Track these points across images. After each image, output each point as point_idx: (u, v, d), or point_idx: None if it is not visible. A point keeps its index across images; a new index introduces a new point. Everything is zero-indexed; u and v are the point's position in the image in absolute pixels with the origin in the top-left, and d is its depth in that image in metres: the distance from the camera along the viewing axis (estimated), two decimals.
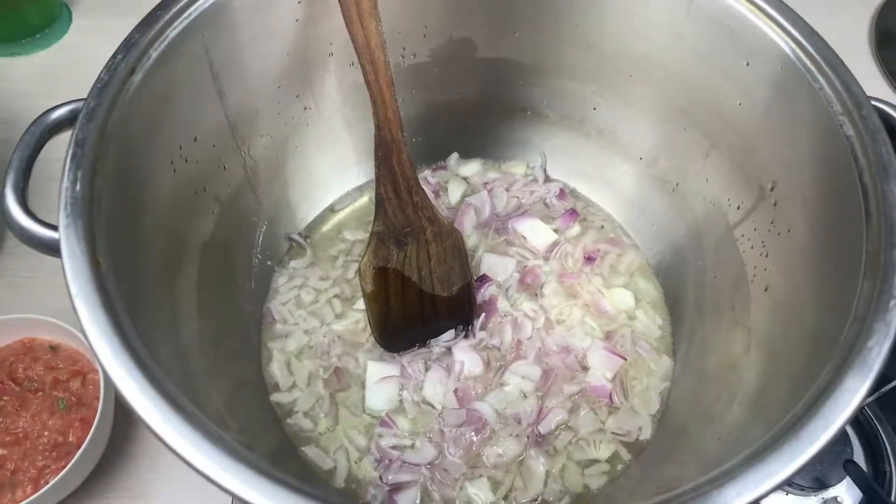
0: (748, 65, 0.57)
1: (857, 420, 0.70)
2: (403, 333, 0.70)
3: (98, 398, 0.64)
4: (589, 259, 0.76)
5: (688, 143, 0.69)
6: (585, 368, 0.70)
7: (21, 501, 0.59)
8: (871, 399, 0.68)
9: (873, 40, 1.01)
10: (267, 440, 0.64)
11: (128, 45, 0.53)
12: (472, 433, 0.66)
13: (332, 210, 0.81)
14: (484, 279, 0.74)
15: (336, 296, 0.75)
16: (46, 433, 0.65)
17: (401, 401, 0.68)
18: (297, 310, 0.74)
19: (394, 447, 0.66)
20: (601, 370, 0.69)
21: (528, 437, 0.66)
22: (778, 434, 0.42)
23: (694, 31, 0.61)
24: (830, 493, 0.68)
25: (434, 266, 0.67)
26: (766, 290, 0.60)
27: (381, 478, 0.65)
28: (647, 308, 0.75)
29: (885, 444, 0.69)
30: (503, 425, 0.66)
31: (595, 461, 0.66)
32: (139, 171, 0.53)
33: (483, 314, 0.71)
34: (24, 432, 0.65)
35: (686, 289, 0.73)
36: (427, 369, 0.69)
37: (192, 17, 0.55)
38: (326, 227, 0.80)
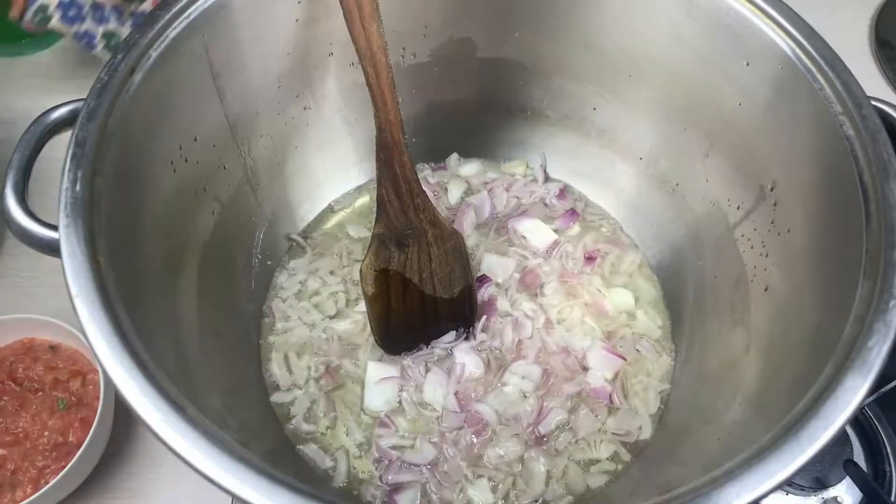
0: (748, 65, 0.57)
1: (857, 420, 0.70)
2: (404, 335, 0.70)
3: (98, 398, 0.64)
4: (589, 259, 0.76)
5: (688, 144, 0.69)
6: (585, 369, 0.69)
7: (21, 501, 0.59)
8: (871, 399, 0.68)
9: (873, 40, 1.02)
10: (266, 439, 0.64)
11: (128, 45, 0.53)
12: (473, 435, 0.66)
13: (332, 210, 0.81)
14: (483, 279, 0.73)
15: (338, 291, 0.74)
16: (46, 433, 0.65)
17: (400, 402, 0.68)
18: (298, 303, 0.74)
19: (393, 447, 0.66)
20: (601, 370, 0.69)
21: (528, 438, 0.66)
22: (778, 434, 0.42)
23: (694, 31, 0.61)
24: (830, 493, 0.68)
25: (435, 268, 0.67)
26: (766, 290, 0.60)
27: (380, 478, 0.64)
28: (648, 308, 0.75)
29: (885, 444, 0.69)
30: (504, 426, 0.66)
31: (596, 461, 0.66)
32: (139, 171, 0.53)
33: (484, 316, 0.71)
34: (24, 432, 0.65)
35: (686, 289, 0.73)
36: (427, 371, 0.69)
37: (192, 17, 0.55)
38: (327, 227, 0.80)
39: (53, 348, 0.69)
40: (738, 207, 0.65)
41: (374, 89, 0.55)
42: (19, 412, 0.66)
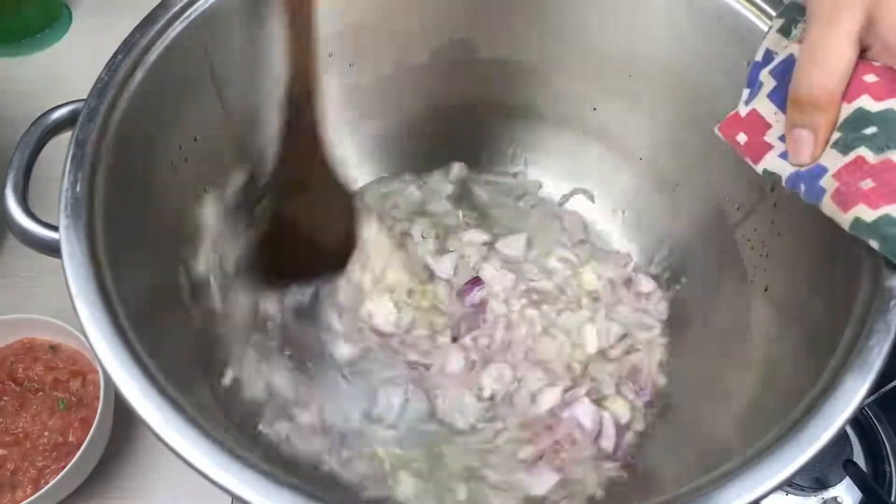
0: (748, 65, 0.57)
1: (857, 420, 0.71)
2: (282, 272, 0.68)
3: (98, 398, 0.64)
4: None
5: (688, 144, 0.69)
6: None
7: (21, 501, 0.59)
8: (871, 399, 0.68)
9: None
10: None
11: (128, 44, 0.53)
12: None
13: None
14: (476, 282, 0.73)
15: None
16: (46, 433, 0.65)
17: None
18: None
19: None
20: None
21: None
22: (777, 435, 0.42)
23: (694, 31, 0.61)
24: (830, 493, 0.68)
25: (317, 219, 0.66)
26: (765, 290, 0.60)
27: None
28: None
29: (885, 444, 0.69)
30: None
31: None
32: (140, 171, 0.54)
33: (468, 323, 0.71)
34: (24, 432, 0.65)
35: (686, 290, 0.73)
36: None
37: (193, 17, 0.55)
38: None
39: (53, 348, 0.69)
40: (739, 208, 0.65)
41: (289, 23, 0.55)
42: (19, 412, 0.66)
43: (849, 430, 0.70)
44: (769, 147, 0.51)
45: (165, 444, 0.41)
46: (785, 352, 0.54)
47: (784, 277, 0.58)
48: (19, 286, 0.79)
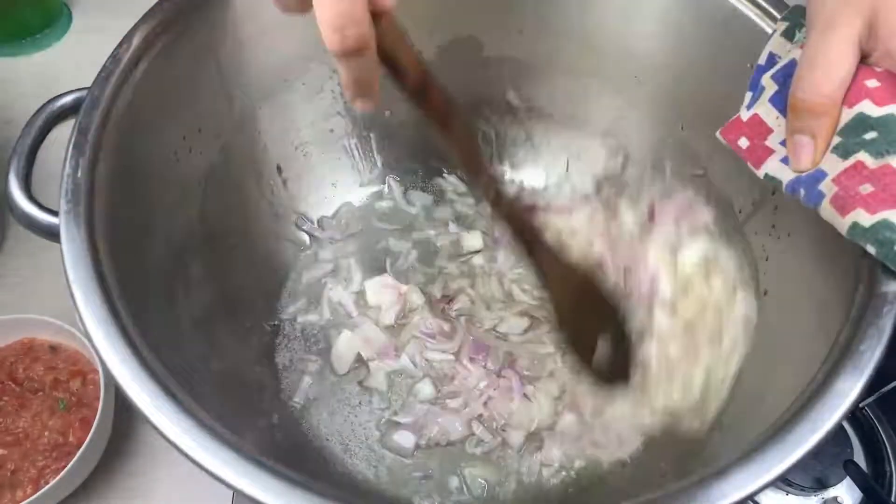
0: (751, 67, 0.57)
1: (857, 420, 0.71)
2: None
3: (98, 398, 0.64)
4: None
5: (691, 146, 0.69)
6: None
7: (21, 501, 0.59)
8: (871, 399, 0.68)
9: None
10: (264, 424, 0.65)
11: (133, 35, 0.53)
12: None
13: (337, 206, 0.80)
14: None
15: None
16: (46, 433, 0.65)
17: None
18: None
19: None
20: None
21: None
22: (767, 435, 0.42)
23: (698, 33, 0.62)
24: (830, 493, 0.68)
25: None
26: (765, 293, 0.60)
27: None
28: None
29: (885, 444, 0.69)
30: None
31: None
32: (141, 160, 0.54)
33: None
34: (24, 432, 0.65)
35: None
36: None
37: (199, 8, 0.56)
38: (331, 223, 0.79)
39: (53, 348, 0.69)
40: (740, 211, 0.65)
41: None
42: (19, 412, 0.66)
43: (849, 430, 0.70)
44: (770, 152, 0.51)
45: (158, 431, 0.41)
46: (782, 355, 0.55)
47: (783, 281, 0.59)
48: (19, 286, 0.78)
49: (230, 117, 0.64)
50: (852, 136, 0.46)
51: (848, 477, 0.67)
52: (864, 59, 0.46)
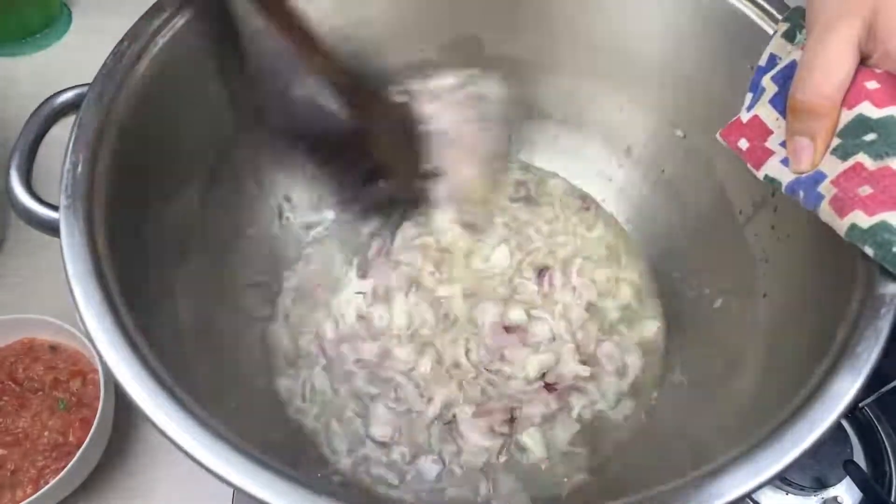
0: (752, 68, 0.57)
1: (857, 420, 0.71)
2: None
3: (98, 398, 0.64)
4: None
5: (692, 147, 0.69)
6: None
7: (21, 501, 0.59)
8: (870, 399, 0.68)
9: None
10: (265, 421, 0.65)
11: (135, 32, 0.54)
12: None
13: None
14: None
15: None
16: (46, 433, 0.65)
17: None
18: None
19: None
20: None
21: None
22: (762, 436, 0.43)
23: (699, 33, 0.62)
24: (830, 492, 0.68)
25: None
26: (764, 295, 0.60)
27: None
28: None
29: (885, 444, 0.69)
30: None
31: None
32: (142, 156, 0.54)
33: None
34: (24, 432, 0.65)
35: (685, 292, 0.73)
36: None
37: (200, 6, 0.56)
38: (331, 222, 0.79)
39: (53, 348, 0.69)
40: (740, 212, 0.65)
41: None
42: (19, 412, 0.66)
43: (849, 430, 0.70)
44: (770, 153, 0.51)
45: (156, 427, 0.41)
46: (781, 357, 0.55)
47: (783, 283, 0.59)
48: (19, 286, 0.78)
49: (231, 115, 0.64)
50: (852, 137, 0.46)
51: (848, 477, 0.67)
52: (863, 61, 0.46)
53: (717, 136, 0.55)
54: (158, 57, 0.53)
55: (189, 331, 0.58)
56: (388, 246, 0.74)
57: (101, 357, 0.42)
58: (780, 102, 0.51)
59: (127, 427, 0.70)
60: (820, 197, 0.46)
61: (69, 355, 0.69)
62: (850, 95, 0.46)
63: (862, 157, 0.45)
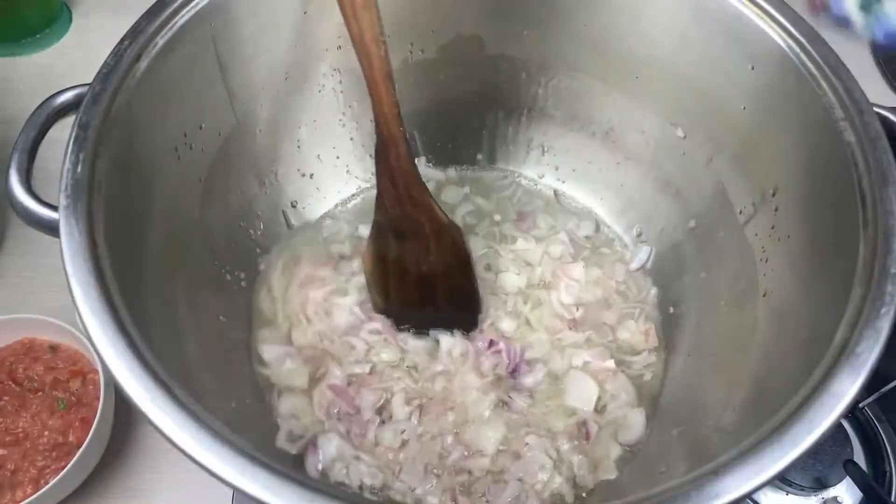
0: (753, 68, 0.58)
1: (857, 420, 0.71)
2: (402, 319, 0.71)
3: (98, 398, 0.64)
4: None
5: (692, 147, 0.69)
6: None
7: (21, 501, 0.59)
8: (871, 399, 0.68)
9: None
10: (260, 422, 0.65)
11: (135, 31, 0.53)
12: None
13: (337, 203, 0.80)
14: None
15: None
16: (46, 433, 0.65)
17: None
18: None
19: None
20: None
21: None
22: (762, 436, 0.43)
23: (700, 34, 0.62)
24: (830, 493, 0.68)
25: (433, 262, 0.67)
26: (764, 295, 0.60)
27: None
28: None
29: (885, 444, 0.69)
30: None
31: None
32: (142, 156, 0.54)
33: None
34: (24, 432, 0.65)
35: (686, 292, 0.73)
36: None
37: (201, 5, 0.56)
38: (331, 220, 0.79)
39: (53, 348, 0.69)
40: (741, 212, 0.65)
41: (368, 81, 0.54)
42: (19, 412, 0.66)
43: (849, 430, 0.70)
44: None
45: (154, 426, 0.41)
46: (781, 357, 0.55)
47: (783, 283, 0.59)
48: (19, 286, 0.78)
49: (231, 114, 0.64)
50: None
51: (848, 477, 0.67)
52: None
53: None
54: (158, 57, 0.53)
55: (189, 331, 0.58)
56: None
57: (100, 357, 0.42)
58: None
59: (127, 427, 0.70)
60: None
61: (69, 355, 0.69)
62: None
63: None
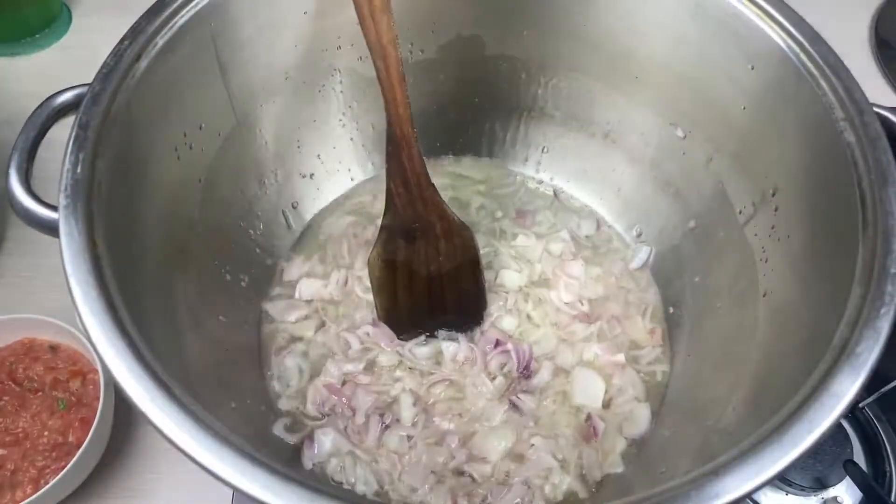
0: (753, 69, 0.57)
1: (857, 420, 0.71)
2: (409, 323, 0.70)
3: (98, 398, 0.64)
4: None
5: (692, 147, 0.69)
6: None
7: (21, 501, 0.59)
8: (871, 399, 0.68)
9: (873, 40, 1.02)
10: (259, 421, 0.65)
11: (135, 31, 0.53)
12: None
13: (338, 203, 0.80)
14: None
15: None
16: (46, 433, 0.65)
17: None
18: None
19: None
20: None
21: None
22: (762, 436, 0.43)
23: (700, 34, 0.62)
24: (830, 493, 0.68)
25: (443, 262, 0.67)
26: (764, 295, 0.60)
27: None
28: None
29: (885, 444, 0.69)
30: None
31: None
32: (142, 156, 0.54)
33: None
34: (24, 432, 0.65)
35: (686, 292, 0.73)
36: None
37: (201, 5, 0.56)
38: (332, 220, 0.79)
39: (53, 348, 0.69)
40: (740, 212, 0.65)
41: (384, 84, 0.55)
42: (19, 412, 0.66)
43: (849, 430, 0.70)
44: None
45: (153, 426, 0.41)
46: (781, 357, 0.55)
47: (782, 283, 0.59)
48: (19, 286, 0.78)
49: (231, 114, 0.64)
50: None
51: (848, 477, 0.67)
52: None
53: None
54: (158, 57, 0.53)
55: (188, 331, 0.58)
56: None
57: (100, 357, 0.42)
58: None
59: (127, 427, 0.70)
60: None
61: (69, 355, 0.69)
62: None
63: None
